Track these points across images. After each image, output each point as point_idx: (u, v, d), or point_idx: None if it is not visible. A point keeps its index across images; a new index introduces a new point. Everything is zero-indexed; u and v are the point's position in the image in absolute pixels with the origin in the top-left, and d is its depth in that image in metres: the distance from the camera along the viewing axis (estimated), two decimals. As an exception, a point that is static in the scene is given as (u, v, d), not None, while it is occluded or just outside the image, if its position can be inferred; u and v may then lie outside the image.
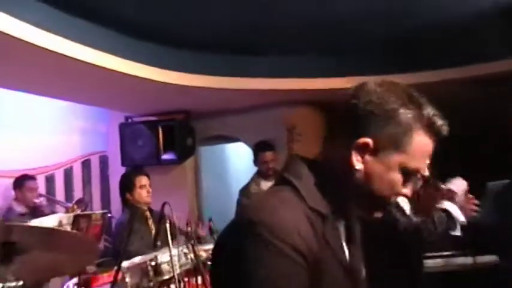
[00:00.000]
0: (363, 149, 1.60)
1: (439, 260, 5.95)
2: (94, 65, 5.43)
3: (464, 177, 3.83)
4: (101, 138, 8.72)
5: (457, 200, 3.71)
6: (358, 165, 1.61)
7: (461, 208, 3.79)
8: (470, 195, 3.86)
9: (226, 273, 1.55)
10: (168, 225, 4.29)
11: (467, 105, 6.72)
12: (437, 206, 3.70)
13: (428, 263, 5.64)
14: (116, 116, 8.16)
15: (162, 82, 6.29)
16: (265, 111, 7.75)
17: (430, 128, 1.60)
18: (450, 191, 3.73)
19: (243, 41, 6.43)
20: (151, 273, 4.26)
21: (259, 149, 6.72)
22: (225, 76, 6.71)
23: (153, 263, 4.27)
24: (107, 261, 4.97)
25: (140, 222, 5.45)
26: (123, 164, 7.90)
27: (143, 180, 5.63)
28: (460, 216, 3.67)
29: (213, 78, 6.66)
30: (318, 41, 6.36)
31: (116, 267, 4.14)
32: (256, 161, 6.72)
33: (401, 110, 1.58)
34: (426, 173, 1.63)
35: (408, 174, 1.61)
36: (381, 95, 1.60)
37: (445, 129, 1.62)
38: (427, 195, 4.06)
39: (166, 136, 7.86)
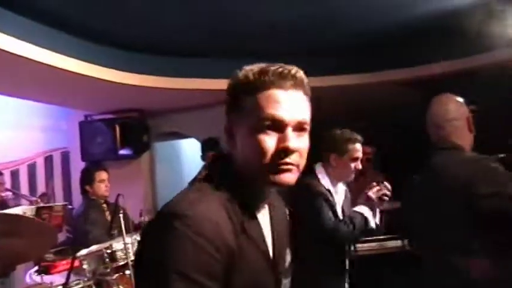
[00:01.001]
0: (228, 131, 1.62)
1: (373, 244, 6.06)
2: (54, 67, 5.33)
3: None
4: (62, 135, 8.56)
5: (374, 209, 3.83)
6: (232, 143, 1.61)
7: (376, 199, 3.88)
8: (385, 183, 3.96)
9: (144, 263, 1.48)
10: (122, 215, 4.32)
11: (406, 105, 6.78)
12: (355, 209, 3.79)
13: (364, 246, 5.75)
14: (76, 114, 8.01)
15: (118, 83, 6.20)
16: (213, 109, 7.32)
17: (255, 83, 1.55)
18: (370, 198, 3.81)
19: (193, 45, 6.38)
20: (107, 259, 4.25)
21: (206, 146, 6.61)
22: (176, 77, 6.66)
23: (108, 251, 4.26)
24: (65, 250, 4.95)
25: (98, 213, 5.41)
26: (83, 159, 7.80)
27: (103, 175, 5.60)
28: (372, 222, 3.79)
29: (165, 79, 6.61)
30: (261, 45, 6.13)
31: (72, 255, 4.13)
32: (204, 157, 6.60)
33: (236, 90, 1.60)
34: (280, 116, 1.51)
35: (265, 127, 1.52)
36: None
37: (270, 70, 1.55)
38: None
39: (123, 133, 7.79)
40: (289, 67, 1.57)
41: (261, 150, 1.51)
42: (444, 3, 5.61)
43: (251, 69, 1.58)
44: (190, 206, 1.45)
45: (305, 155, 1.58)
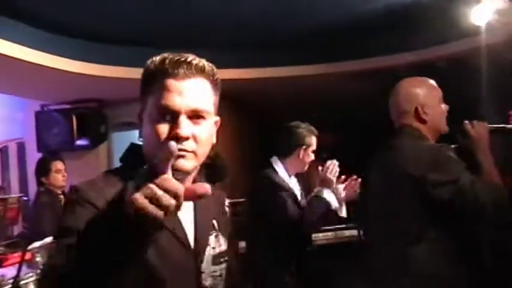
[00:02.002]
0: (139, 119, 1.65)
1: (329, 233, 6.08)
2: (10, 57, 5.27)
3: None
4: (17, 125, 8.40)
5: (332, 186, 3.79)
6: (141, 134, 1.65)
7: (344, 189, 3.91)
8: (354, 176, 3.99)
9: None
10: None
11: (362, 97, 6.80)
12: (317, 194, 3.77)
13: (319, 236, 5.76)
14: (32, 104, 7.86)
15: (75, 73, 6.14)
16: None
17: (154, 72, 1.58)
18: (327, 179, 3.78)
19: (151, 35, 6.28)
20: (61, 252, 4.18)
21: None
22: (133, 67, 6.45)
23: (62, 242, 4.18)
24: (17, 242, 4.86)
25: (54, 204, 5.24)
26: (39, 150, 7.63)
27: (59, 165, 5.49)
28: (335, 203, 3.78)
29: (122, 69, 6.54)
30: (217, 36, 6.30)
31: (23, 248, 3.98)
32: None
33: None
34: (171, 105, 1.52)
35: (158, 116, 1.54)
36: None
37: (167, 59, 1.57)
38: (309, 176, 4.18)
39: (80, 123, 7.68)
40: (186, 55, 1.58)
41: (154, 137, 1.52)
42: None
43: (154, 59, 1.61)
44: (89, 184, 1.59)
45: (203, 142, 1.58)
